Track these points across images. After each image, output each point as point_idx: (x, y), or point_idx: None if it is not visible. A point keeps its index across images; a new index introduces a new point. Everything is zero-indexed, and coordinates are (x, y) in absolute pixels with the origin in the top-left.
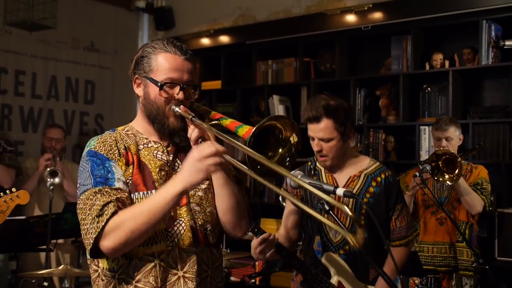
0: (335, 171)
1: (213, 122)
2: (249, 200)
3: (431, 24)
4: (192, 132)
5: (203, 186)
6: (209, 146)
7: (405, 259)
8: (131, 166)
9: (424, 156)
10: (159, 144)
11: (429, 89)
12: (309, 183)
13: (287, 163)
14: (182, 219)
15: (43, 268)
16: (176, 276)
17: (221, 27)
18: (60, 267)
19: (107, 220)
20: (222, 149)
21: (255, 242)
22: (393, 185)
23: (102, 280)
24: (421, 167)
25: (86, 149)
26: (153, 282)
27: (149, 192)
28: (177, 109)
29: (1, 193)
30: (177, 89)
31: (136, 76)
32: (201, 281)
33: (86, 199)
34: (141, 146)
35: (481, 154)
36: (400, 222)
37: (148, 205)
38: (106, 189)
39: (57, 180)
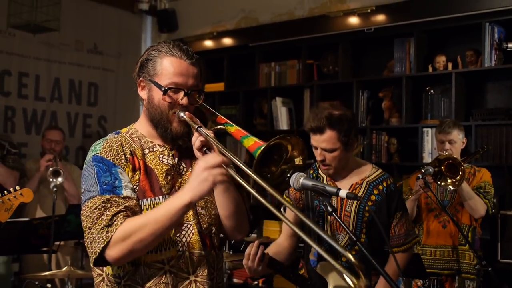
0: (338, 179)
1: (218, 126)
2: (250, 202)
3: (434, 27)
4: (196, 140)
5: None
6: (215, 157)
7: (404, 266)
8: (137, 172)
9: (426, 158)
10: (164, 148)
11: (432, 91)
12: (312, 185)
13: (288, 178)
14: (190, 223)
15: (46, 270)
16: (187, 281)
17: (224, 29)
18: (63, 269)
19: (116, 231)
20: (228, 160)
21: (244, 260)
22: (395, 193)
23: (107, 285)
24: (423, 170)
25: (91, 154)
26: None
27: (156, 198)
28: (182, 114)
29: (5, 191)
30: (181, 94)
31: (141, 79)
32: (212, 284)
33: (94, 208)
34: (147, 150)
35: (484, 156)
36: (399, 229)
37: (155, 216)
38: (114, 199)
39: (60, 179)
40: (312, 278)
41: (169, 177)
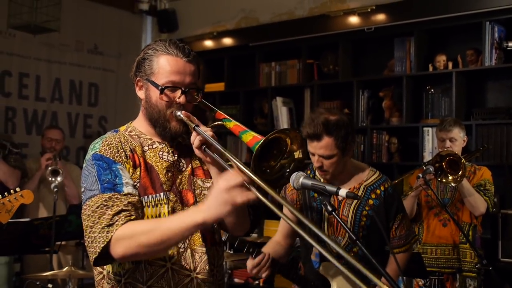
0: (335, 183)
1: (217, 122)
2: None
3: (434, 26)
4: (195, 139)
5: (208, 185)
6: (237, 177)
7: (405, 265)
8: (138, 169)
9: (427, 157)
10: (164, 145)
11: (432, 90)
12: (312, 184)
13: (287, 173)
14: None
15: (47, 270)
16: (189, 278)
17: (224, 29)
18: (64, 269)
19: (120, 230)
20: (248, 180)
21: (250, 263)
22: (393, 197)
23: (108, 283)
24: (424, 168)
25: (90, 152)
26: (166, 286)
27: (158, 195)
28: (178, 113)
29: (6, 193)
30: (178, 92)
31: (138, 78)
32: (213, 280)
33: (96, 207)
34: (146, 148)
35: (485, 155)
36: (400, 231)
37: (164, 226)
38: (116, 196)
39: (59, 179)
40: (311, 278)
41: (169, 174)
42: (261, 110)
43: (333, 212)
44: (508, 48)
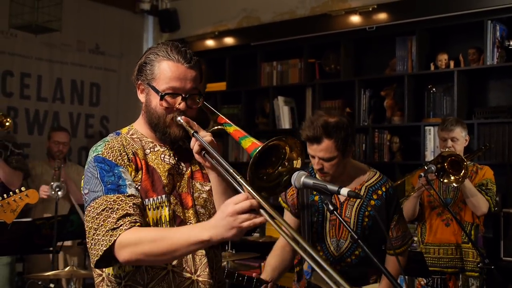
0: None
1: (217, 127)
2: None
3: (436, 25)
4: (194, 145)
5: (207, 188)
6: (246, 201)
7: (403, 266)
8: (140, 172)
9: (429, 156)
10: (165, 148)
11: (434, 89)
12: (313, 184)
13: (284, 180)
14: (191, 222)
15: (49, 270)
16: (190, 280)
17: (225, 29)
18: (66, 269)
19: (120, 235)
20: (257, 204)
21: None
22: (393, 197)
23: (108, 285)
24: (426, 168)
25: (92, 154)
26: None
27: (159, 197)
28: (179, 118)
29: (10, 192)
30: (179, 99)
31: (139, 82)
32: (213, 282)
33: (101, 210)
34: (148, 151)
35: (487, 154)
36: (396, 232)
37: (170, 239)
38: (120, 198)
39: (60, 194)
40: None
41: (171, 176)
42: (262, 109)
43: (335, 211)
44: (510, 47)
